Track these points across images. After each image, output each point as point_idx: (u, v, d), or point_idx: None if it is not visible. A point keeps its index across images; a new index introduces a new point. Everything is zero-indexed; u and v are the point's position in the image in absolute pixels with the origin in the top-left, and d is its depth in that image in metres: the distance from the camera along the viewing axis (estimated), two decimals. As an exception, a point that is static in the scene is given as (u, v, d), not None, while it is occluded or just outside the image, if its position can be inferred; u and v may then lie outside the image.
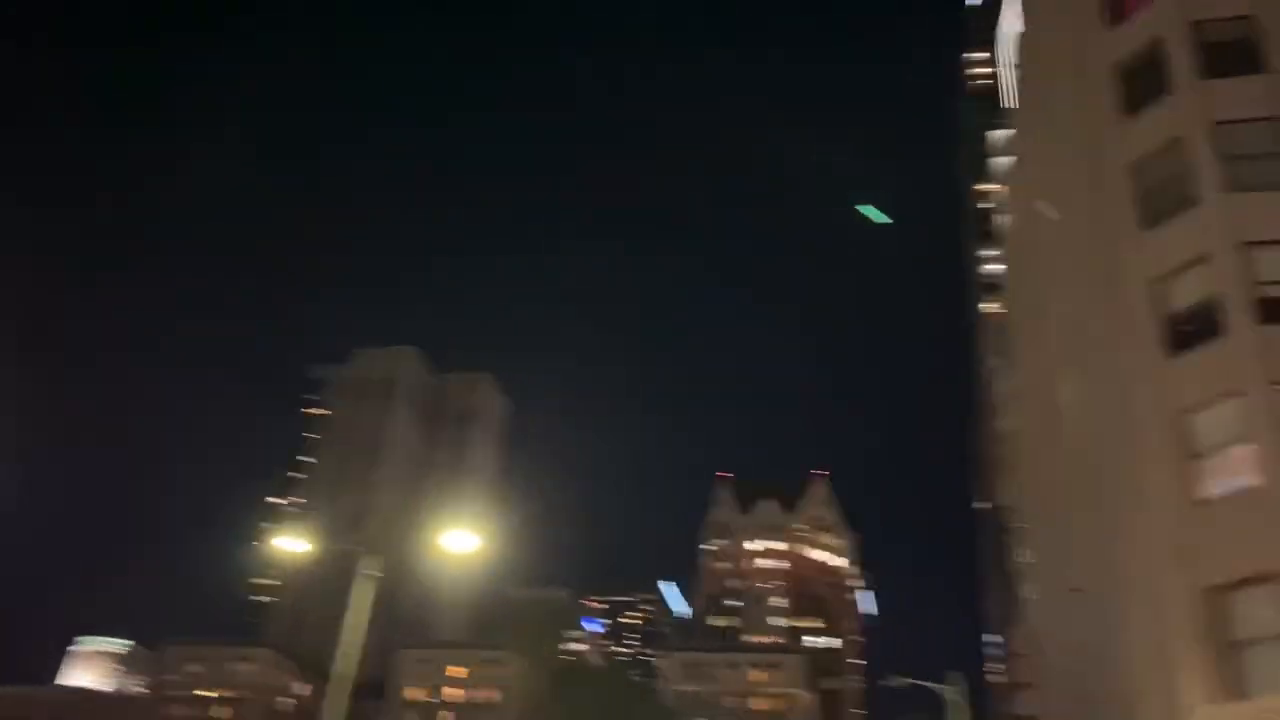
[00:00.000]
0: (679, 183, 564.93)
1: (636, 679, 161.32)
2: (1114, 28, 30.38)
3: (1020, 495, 64.24)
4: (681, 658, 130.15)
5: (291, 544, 30.14)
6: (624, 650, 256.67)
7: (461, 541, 27.97)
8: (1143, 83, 28.79)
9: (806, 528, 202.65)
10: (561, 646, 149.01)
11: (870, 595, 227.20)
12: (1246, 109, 26.73)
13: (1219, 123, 26.71)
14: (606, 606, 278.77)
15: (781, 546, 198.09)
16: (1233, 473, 23.10)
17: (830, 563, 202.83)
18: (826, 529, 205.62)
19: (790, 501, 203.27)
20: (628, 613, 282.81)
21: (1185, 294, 25.66)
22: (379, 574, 27.98)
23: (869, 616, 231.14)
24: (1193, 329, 25.11)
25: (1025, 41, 48.07)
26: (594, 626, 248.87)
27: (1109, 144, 29.20)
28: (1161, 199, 27.16)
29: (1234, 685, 21.37)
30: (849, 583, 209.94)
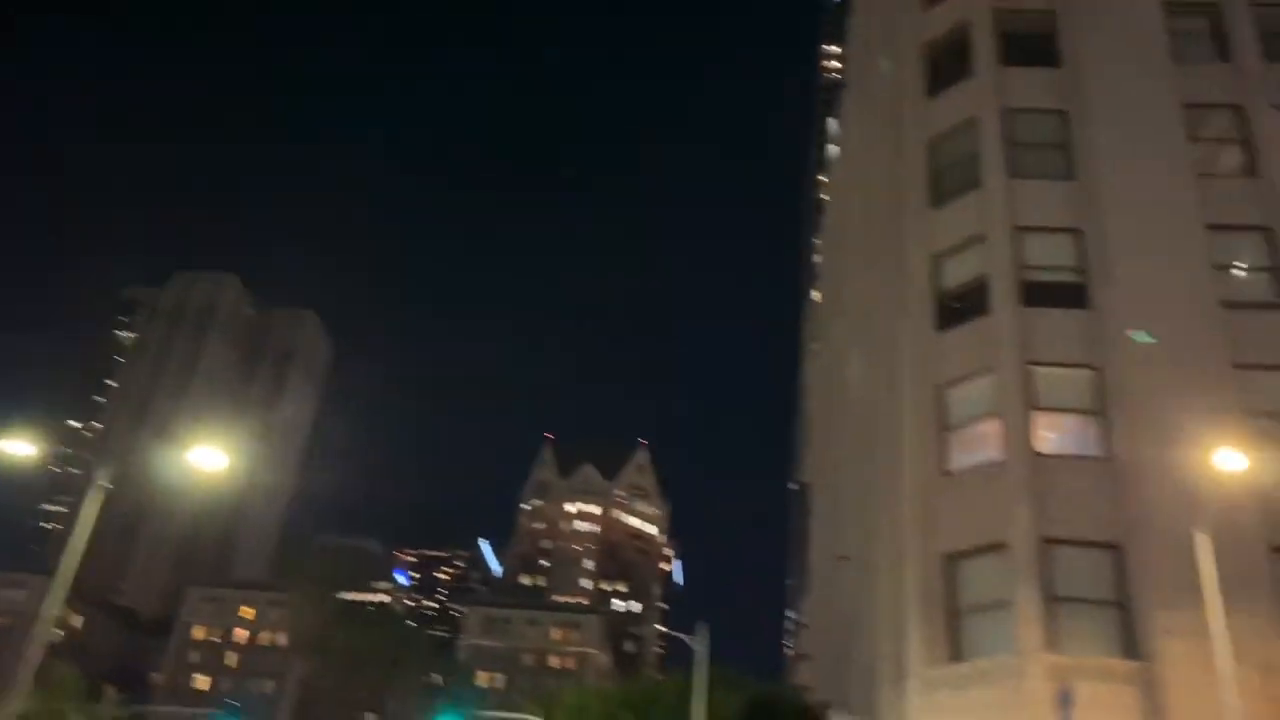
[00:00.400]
0: (519, 141, 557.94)
1: (440, 633, 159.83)
2: (927, 9, 30.82)
3: (815, 471, 66.04)
4: (482, 612, 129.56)
5: (18, 448, 27.39)
6: (433, 604, 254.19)
7: (208, 459, 25.94)
8: (947, 64, 29.35)
9: (624, 494, 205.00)
10: (365, 596, 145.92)
11: (679, 565, 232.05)
12: (1036, 99, 27.56)
13: (1010, 109, 27.45)
14: (419, 560, 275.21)
15: (597, 511, 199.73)
16: (978, 446, 23.80)
17: (643, 530, 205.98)
18: (643, 497, 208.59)
19: (611, 468, 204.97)
20: (441, 568, 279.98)
21: (960, 272, 26.27)
22: (109, 485, 25.83)
23: (678, 585, 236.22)
24: (962, 306, 25.73)
25: (852, 24, 48.69)
26: (403, 579, 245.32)
27: (910, 122, 29.63)
28: (950, 179, 27.77)
29: (955, 648, 22.03)
30: (660, 550, 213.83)
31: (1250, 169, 26.04)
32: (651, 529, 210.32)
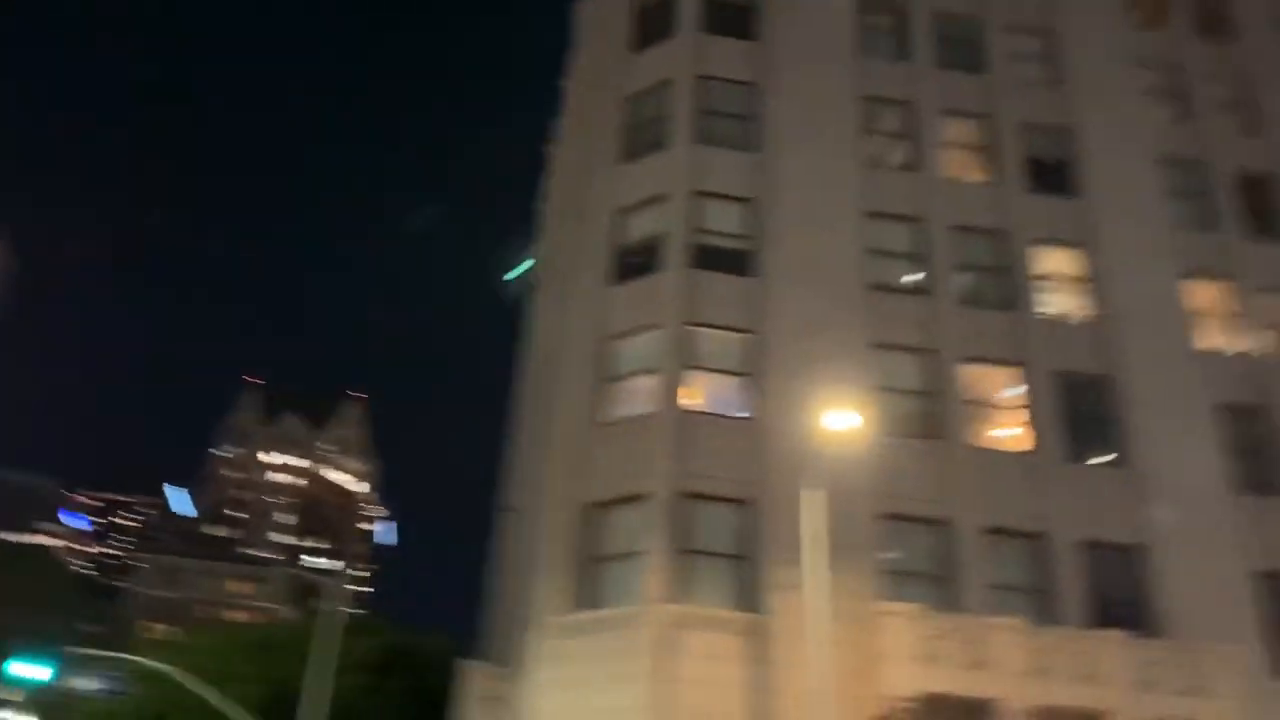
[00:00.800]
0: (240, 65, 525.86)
1: (116, 581, 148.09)
2: (643, -33, 30.71)
3: (519, 430, 65.85)
4: (161, 561, 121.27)
5: None
6: (112, 550, 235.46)
7: None
8: (654, 23, 29.37)
9: (334, 448, 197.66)
10: (23, 537, 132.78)
11: (392, 526, 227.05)
12: (730, 69, 28.09)
13: (704, 76, 27.84)
14: (103, 504, 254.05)
15: (302, 463, 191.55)
16: (634, 400, 23.93)
17: (349, 487, 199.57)
18: (353, 452, 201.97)
19: (321, 419, 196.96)
20: (126, 513, 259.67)
21: (640, 229, 26.34)
22: None
23: (387, 547, 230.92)
24: (638, 262, 25.81)
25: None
26: (78, 522, 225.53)
27: (613, 78, 29.44)
28: (642, 137, 27.81)
29: (589, 596, 22.00)
30: (367, 510, 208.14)
31: (912, 164, 27.70)
32: (360, 486, 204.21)
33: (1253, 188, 29.31)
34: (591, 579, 22.22)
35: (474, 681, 25.19)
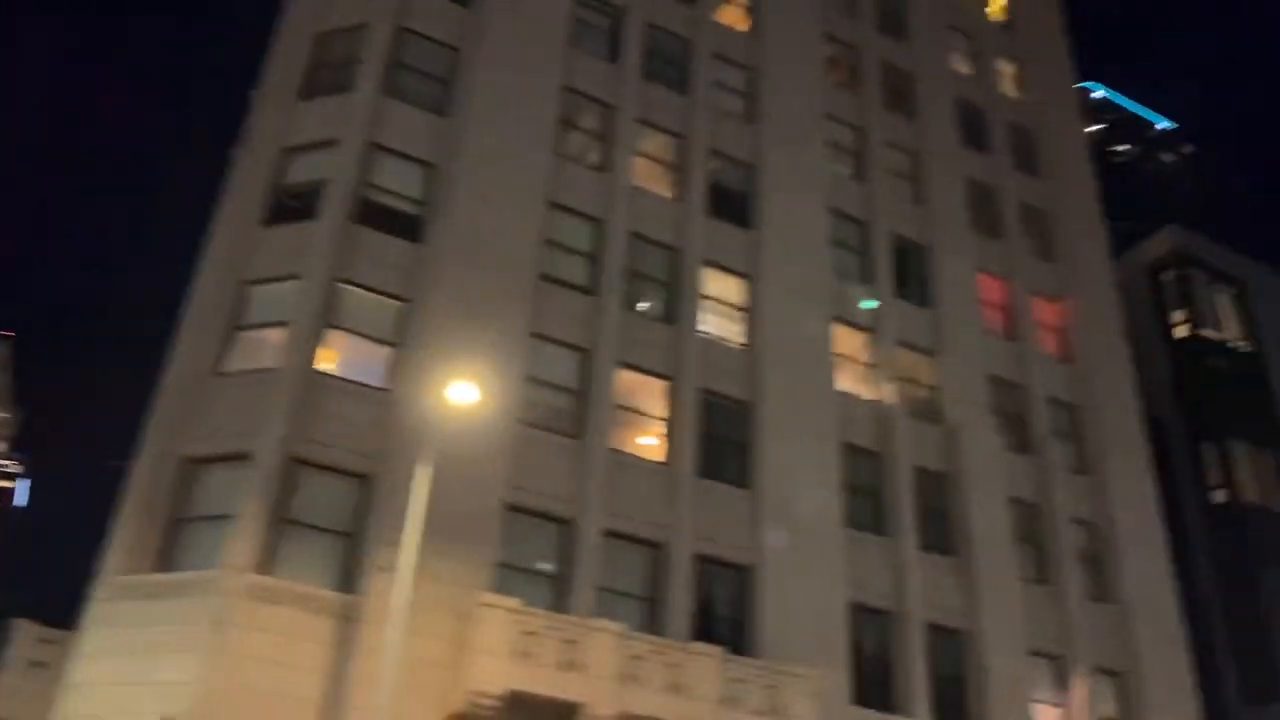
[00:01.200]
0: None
1: None
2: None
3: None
4: None
5: None
6: None
7: None
8: (361, -37, 27.50)
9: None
10: None
11: (25, 484, 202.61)
12: (435, 28, 26.89)
13: (405, 29, 26.41)
14: None
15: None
16: (261, 352, 21.83)
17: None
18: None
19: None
20: None
21: (304, 171, 24.34)
22: None
23: (16, 508, 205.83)
24: (294, 206, 23.78)
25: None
26: None
27: (310, 13, 27.30)
28: (327, 76, 25.89)
29: (164, 557, 19.59)
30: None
31: (603, 165, 27.42)
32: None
33: (905, 252, 31.47)
34: (175, 540, 19.83)
35: (22, 644, 22.00)
